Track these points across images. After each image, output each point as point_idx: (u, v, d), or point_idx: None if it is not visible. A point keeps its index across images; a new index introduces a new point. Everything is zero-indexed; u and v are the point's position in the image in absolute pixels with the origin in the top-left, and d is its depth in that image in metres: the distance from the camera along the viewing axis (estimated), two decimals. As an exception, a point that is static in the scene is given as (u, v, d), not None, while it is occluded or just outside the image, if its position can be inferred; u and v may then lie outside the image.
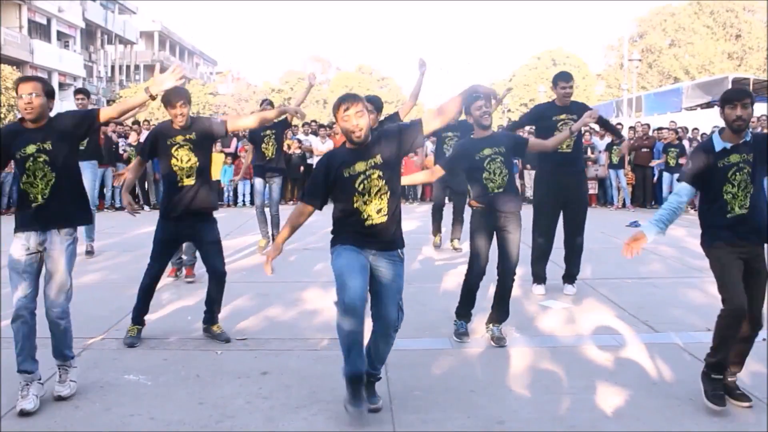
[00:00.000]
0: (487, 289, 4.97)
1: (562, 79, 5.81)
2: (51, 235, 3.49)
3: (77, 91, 7.58)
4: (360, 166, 3.33)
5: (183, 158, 4.50)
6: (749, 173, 3.42)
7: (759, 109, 13.33)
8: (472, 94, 4.26)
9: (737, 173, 3.42)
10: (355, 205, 3.32)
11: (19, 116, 3.52)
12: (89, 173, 7.43)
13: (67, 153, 3.53)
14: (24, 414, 3.31)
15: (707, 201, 3.55)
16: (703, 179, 3.51)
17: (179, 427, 3.25)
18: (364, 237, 3.34)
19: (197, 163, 4.52)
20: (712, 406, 3.37)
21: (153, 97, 3.48)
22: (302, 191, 3.50)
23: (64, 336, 3.56)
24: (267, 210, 7.96)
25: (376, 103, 5.84)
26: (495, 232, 4.53)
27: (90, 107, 7.39)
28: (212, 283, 4.65)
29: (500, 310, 4.57)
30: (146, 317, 4.67)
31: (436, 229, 8.29)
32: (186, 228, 4.59)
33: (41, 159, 3.45)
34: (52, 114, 3.60)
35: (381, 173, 3.34)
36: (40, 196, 3.46)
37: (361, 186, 3.32)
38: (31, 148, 3.45)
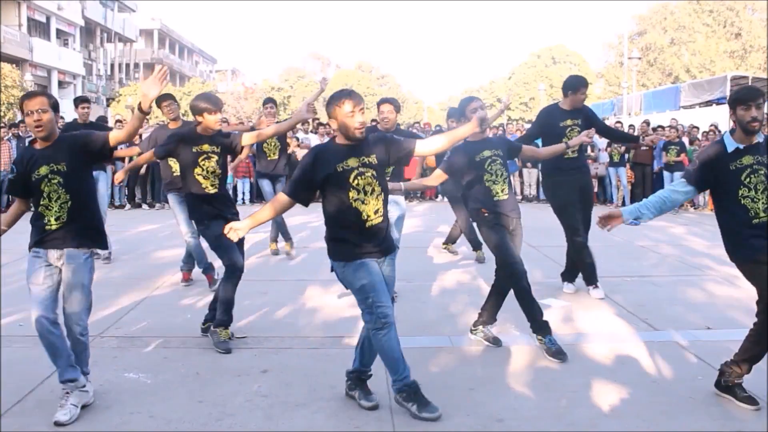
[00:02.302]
0: (480, 290, 4.96)
1: (584, 85, 5.70)
2: (69, 250, 3.40)
3: (81, 100, 7.28)
4: (352, 162, 3.31)
5: (209, 169, 4.46)
6: (766, 175, 3.29)
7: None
8: (468, 97, 4.36)
9: (752, 176, 3.29)
10: (353, 204, 3.29)
11: (29, 137, 3.45)
12: (102, 182, 7.35)
13: (82, 174, 3.44)
14: (58, 425, 3.21)
15: (726, 209, 3.40)
16: (715, 183, 3.40)
17: (179, 426, 3.26)
18: (368, 242, 3.33)
19: (221, 174, 4.51)
20: (747, 407, 3.35)
21: (147, 113, 3.42)
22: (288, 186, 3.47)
23: (84, 353, 3.51)
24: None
25: (396, 105, 5.77)
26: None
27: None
28: (231, 281, 4.53)
29: (494, 312, 4.49)
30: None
31: (473, 238, 7.33)
32: (222, 225, 4.45)
33: (55, 180, 3.33)
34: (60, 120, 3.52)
35: (375, 173, 3.34)
36: (54, 220, 3.36)
37: (356, 182, 3.29)
38: (44, 170, 3.34)
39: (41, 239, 3.40)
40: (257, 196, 14.13)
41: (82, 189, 3.43)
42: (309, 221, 10.92)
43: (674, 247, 8.45)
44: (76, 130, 6.45)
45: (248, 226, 3.37)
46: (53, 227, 3.36)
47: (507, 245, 4.32)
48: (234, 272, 4.44)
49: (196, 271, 6.38)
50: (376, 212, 3.33)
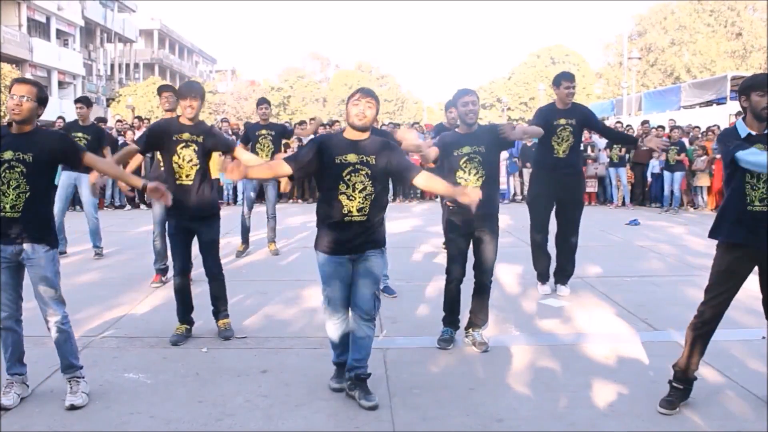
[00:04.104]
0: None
1: (566, 78, 5.73)
2: (27, 246, 3.42)
3: (78, 99, 7.48)
4: (352, 158, 3.44)
5: (185, 157, 4.48)
6: None
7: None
8: (463, 90, 4.36)
9: None
10: (339, 196, 3.43)
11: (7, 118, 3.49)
12: (84, 180, 7.44)
13: (46, 172, 3.48)
14: (2, 409, 3.34)
15: (728, 191, 3.41)
16: (726, 165, 3.35)
17: (179, 426, 3.25)
18: (342, 237, 3.47)
19: (198, 165, 4.51)
20: (659, 409, 3.36)
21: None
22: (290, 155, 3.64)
23: (69, 343, 3.54)
24: (266, 215, 8.02)
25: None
26: (471, 234, 4.39)
27: (91, 116, 7.45)
28: (210, 284, 4.74)
29: (479, 314, 4.47)
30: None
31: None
32: (192, 222, 4.54)
33: (18, 169, 3.36)
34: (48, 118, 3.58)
35: (369, 172, 3.44)
36: (9, 207, 3.37)
37: (348, 176, 3.42)
38: (8, 154, 3.37)
39: None
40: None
41: (43, 184, 3.47)
42: (309, 221, 10.92)
43: (674, 247, 8.44)
44: (74, 131, 6.61)
45: (242, 173, 3.42)
46: (7, 215, 3.38)
47: (455, 247, 4.42)
48: (175, 272, 4.64)
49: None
50: (359, 210, 3.45)
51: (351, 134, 3.50)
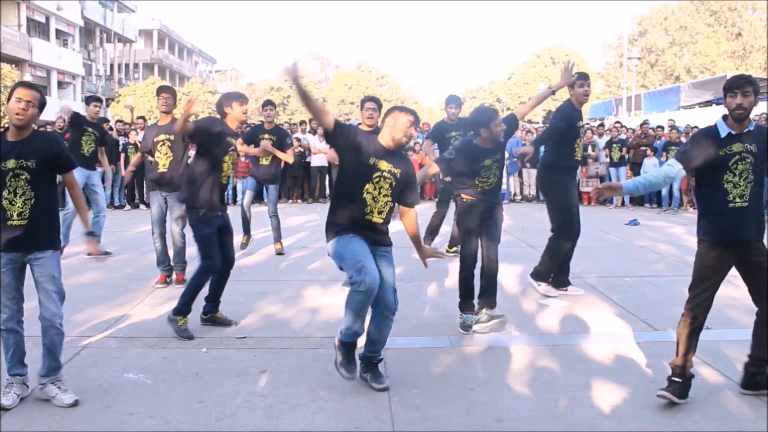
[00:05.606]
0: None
1: (583, 77, 5.66)
2: (34, 253, 3.43)
3: (92, 99, 7.62)
4: (383, 165, 3.64)
5: (230, 161, 4.82)
6: (751, 164, 3.36)
7: (759, 107, 13.28)
8: (491, 110, 4.86)
9: (739, 162, 3.36)
10: (363, 195, 3.60)
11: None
12: (96, 178, 7.54)
13: (48, 175, 3.46)
14: (1, 409, 3.34)
15: (707, 189, 3.47)
16: (703, 165, 3.43)
17: (179, 426, 3.25)
18: (363, 230, 3.63)
19: (231, 168, 4.89)
20: (661, 392, 3.43)
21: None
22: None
23: (60, 343, 3.53)
24: (267, 215, 8.04)
25: (378, 103, 6.21)
26: (480, 222, 4.78)
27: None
28: (223, 273, 4.86)
29: (489, 295, 4.79)
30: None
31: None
32: (218, 219, 4.75)
33: (23, 176, 3.35)
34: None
35: (393, 183, 3.65)
36: (16, 215, 3.37)
37: (378, 180, 3.62)
38: (11, 163, 3.34)
39: (4, 239, 3.39)
40: (258, 196, 14.11)
41: (47, 189, 3.46)
42: (309, 221, 10.93)
43: (673, 246, 8.44)
44: (84, 125, 6.72)
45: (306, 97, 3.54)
46: (14, 223, 3.38)
47: (469, 232, 4.77)
48: (215, 268, 4.76)
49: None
50: (379, 213, 3.66)
51: (386, 142, 3.68)
